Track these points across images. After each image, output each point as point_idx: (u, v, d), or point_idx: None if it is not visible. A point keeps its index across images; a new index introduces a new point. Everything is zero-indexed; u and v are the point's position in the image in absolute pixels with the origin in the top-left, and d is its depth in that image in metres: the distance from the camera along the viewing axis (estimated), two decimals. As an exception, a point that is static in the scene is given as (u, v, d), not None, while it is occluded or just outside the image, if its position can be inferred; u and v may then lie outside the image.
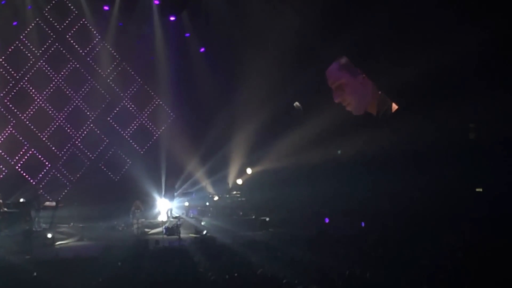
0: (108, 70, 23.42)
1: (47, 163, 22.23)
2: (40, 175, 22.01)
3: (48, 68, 22.42)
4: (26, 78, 22.00)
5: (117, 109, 23.62)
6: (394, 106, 7.15)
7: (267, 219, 19.67)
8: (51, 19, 22.38)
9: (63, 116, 22.69)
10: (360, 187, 19.97)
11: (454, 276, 10.24)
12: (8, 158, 21.53)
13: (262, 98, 21.17)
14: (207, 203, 22.03)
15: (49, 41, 22.39)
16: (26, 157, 21.84)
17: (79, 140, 22.94)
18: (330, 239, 15.59)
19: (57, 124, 22.55)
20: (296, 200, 21.14)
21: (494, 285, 9.55)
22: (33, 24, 22.02)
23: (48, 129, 22.39)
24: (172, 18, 23.94)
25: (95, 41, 23.16)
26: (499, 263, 10.71)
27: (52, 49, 22.43)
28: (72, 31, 22.69)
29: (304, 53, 19.47)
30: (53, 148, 22.46)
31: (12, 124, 21.69)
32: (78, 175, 22.67)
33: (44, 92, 22.34)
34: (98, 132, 23.25)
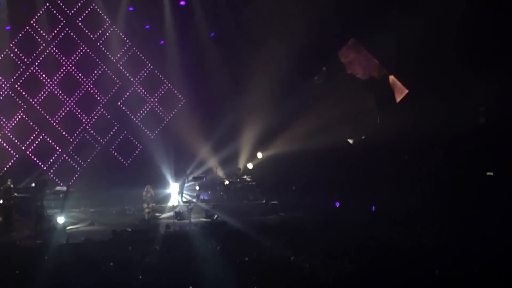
0: (118, 55, 23.40)
1: (57, 148, 22.27)
2: (51, 160, 22.06)
3: (59, 53, 22.41)
4: (36, 63, 21.99)
5: (128, 94, 23.61)
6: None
7: (277, 203, 19.66)
8: (61, 4, 22.31)
9: (74, 101, 22.70)
10: (370, 172, 19.98)
11: (465, 260, 10.25)
12: (19, 143, 21.57)
13: (273, 82, 21.16)
14: (218, 187, 22.08)
15: (60, 26, 22.35)
16: (36, 142, 21.89)
17: (89, 125, 22.96)
18: (340, 223, 15.62)
19: (68, 109, 22.58)
20: (306, 184, 21.16)
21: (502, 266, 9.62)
22: (43, 9, 21.98)
23: (59, 114, 22.40)
24: (182, 3, 23.83)
25: (105, 26, 23.11)
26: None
27: (63, 34, 22.40)
28: (82, 16, 22.64)
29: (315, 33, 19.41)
30: (64, 133, 22.48)
31: (22, 109, 21.71)
32: (88, 160, 22.71)
33: (55, 77, 22.35)
34: (109, 117, 23.26)
